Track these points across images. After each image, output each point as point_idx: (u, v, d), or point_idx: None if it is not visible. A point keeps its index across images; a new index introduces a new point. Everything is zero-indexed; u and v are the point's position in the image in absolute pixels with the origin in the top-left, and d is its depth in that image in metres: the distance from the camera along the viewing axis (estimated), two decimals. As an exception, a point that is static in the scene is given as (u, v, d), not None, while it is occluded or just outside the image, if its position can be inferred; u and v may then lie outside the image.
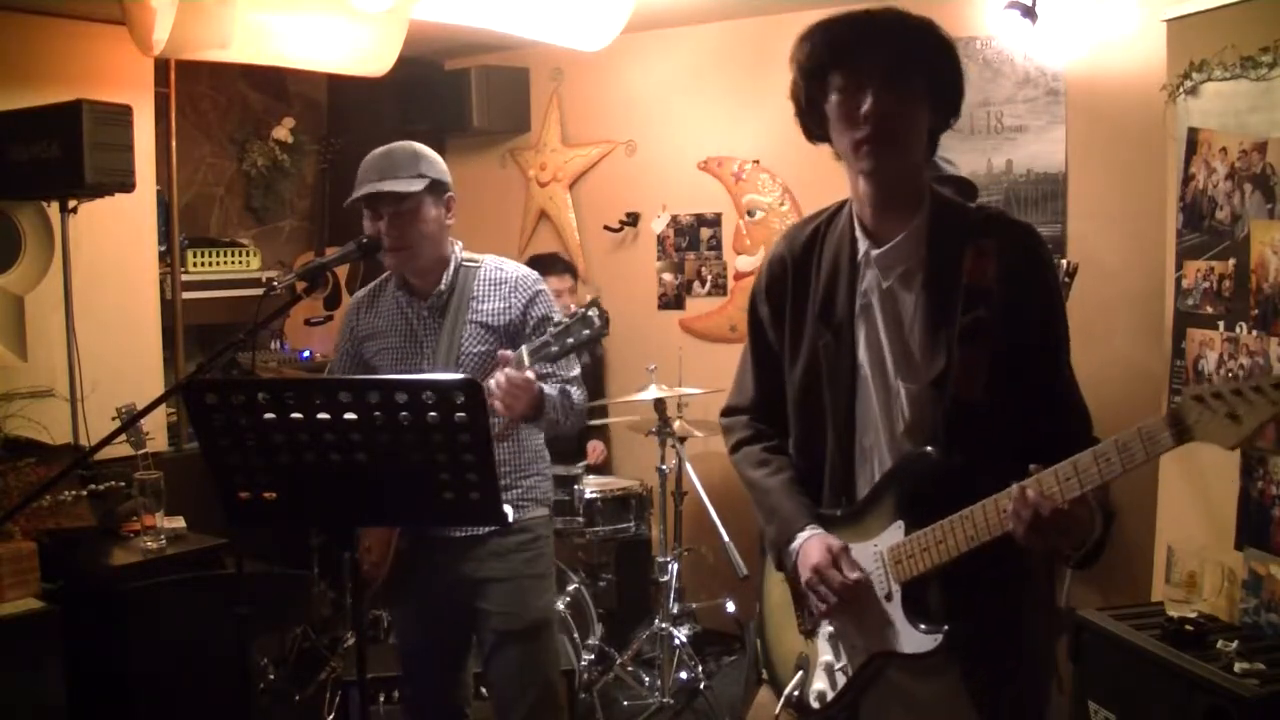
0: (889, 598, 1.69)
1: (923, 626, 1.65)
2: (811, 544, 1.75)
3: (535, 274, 2.61)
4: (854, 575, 1.69)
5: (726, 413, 2.00)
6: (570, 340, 2.30)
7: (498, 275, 2.56)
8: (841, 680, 1.76)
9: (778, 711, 1.86)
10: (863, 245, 1.73)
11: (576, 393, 2.53)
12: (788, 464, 1.87)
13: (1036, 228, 1.79)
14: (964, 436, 1.63)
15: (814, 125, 1.72)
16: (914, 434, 1.69)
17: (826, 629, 1.79)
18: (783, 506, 1.82)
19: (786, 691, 1.82)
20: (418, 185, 2.43)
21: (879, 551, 1.70)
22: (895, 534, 1.68)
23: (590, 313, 2.31)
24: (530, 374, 2.32)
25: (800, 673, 1.81)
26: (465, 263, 2.56)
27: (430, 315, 2.52)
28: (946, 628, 1.63)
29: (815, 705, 1.79)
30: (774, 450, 1.90)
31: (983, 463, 1.62)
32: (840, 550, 1.72)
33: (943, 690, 1.68)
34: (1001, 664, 1.67)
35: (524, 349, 2.32)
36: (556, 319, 2.49)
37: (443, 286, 2.52)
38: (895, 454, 1.72)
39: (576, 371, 2.57)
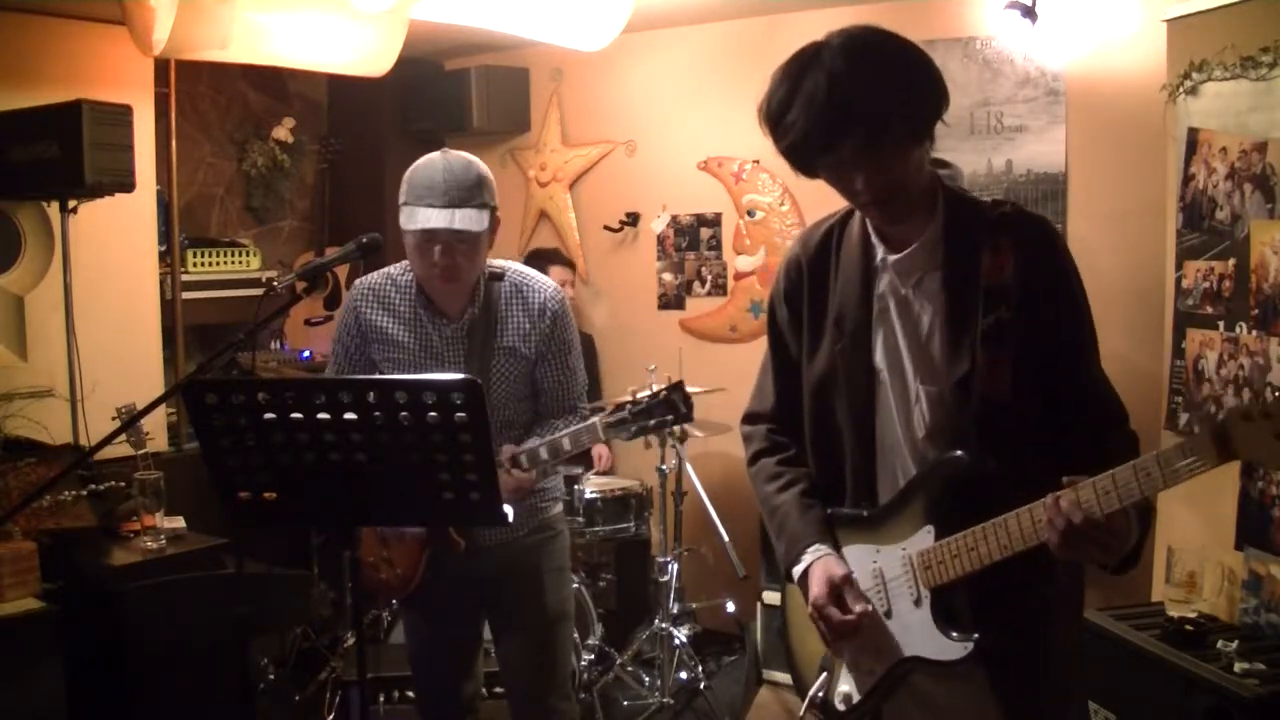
0: (918, 603, 1.68)
1: (954, 634, 1.64)
2: (815, 571, 1.73)
3: (559, 290, 2.52)
4: (857, 609, 1.68)
5: (747, 419, 1.97)
6: (651, 422, 2.27)
7: (524, 293, 2.46)
8: (869, 683, 1.74)
9: (802, 712, 1.86)
10: (879, 251, 1.72)
11: (576, 421, 2.51)
12: (802, 476, 1.84)
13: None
14: (994, 438, 1.61)
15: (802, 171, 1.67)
16: (935, 438, 1.68)
17: None
18: (790, 525, 1.80)
19: (811, 693, 1.81)
20: (485, 221, 2.30)
21: (908, 555, 1.69)
22: (925, 539, 1.67)
23: (675, 397, 2.26)
24: (531, 474, 2.34)
25: (825, 674, 1.80)
26: (491, 276, 2.46)
27: (455, 335, 2.43)
28: (976, 636, 1.62)
29: (841, 707, 1.77)
30: (789, 462, 1.88)
31: (1013, 465, 1.60)
32: (842, 581, 1.70)
33: (967, 694, 1.67)
34: (1028, 670, 1.66)
35: (598, 420, 2.29)
36: (576, 338, 2.51)
37: (474, 308, 2.42)
38: (916, 457, 1.71)
39: (582, 377, 2.56)
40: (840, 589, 1.70)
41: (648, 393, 2.28)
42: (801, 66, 1.56)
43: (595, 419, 2.30)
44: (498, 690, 2.97)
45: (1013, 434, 1.61)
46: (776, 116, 1.59)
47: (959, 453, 1.64)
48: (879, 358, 1.72)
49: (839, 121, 1.53)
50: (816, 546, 1.76)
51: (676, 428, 3.92)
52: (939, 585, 1.65)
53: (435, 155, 2.35)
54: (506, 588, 2.51)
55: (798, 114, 1.55)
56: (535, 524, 2.53)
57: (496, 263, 2.49)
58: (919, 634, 1.67)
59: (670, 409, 2.26)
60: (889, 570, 1.71)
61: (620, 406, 2.29)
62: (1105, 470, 1.44)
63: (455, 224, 2.26)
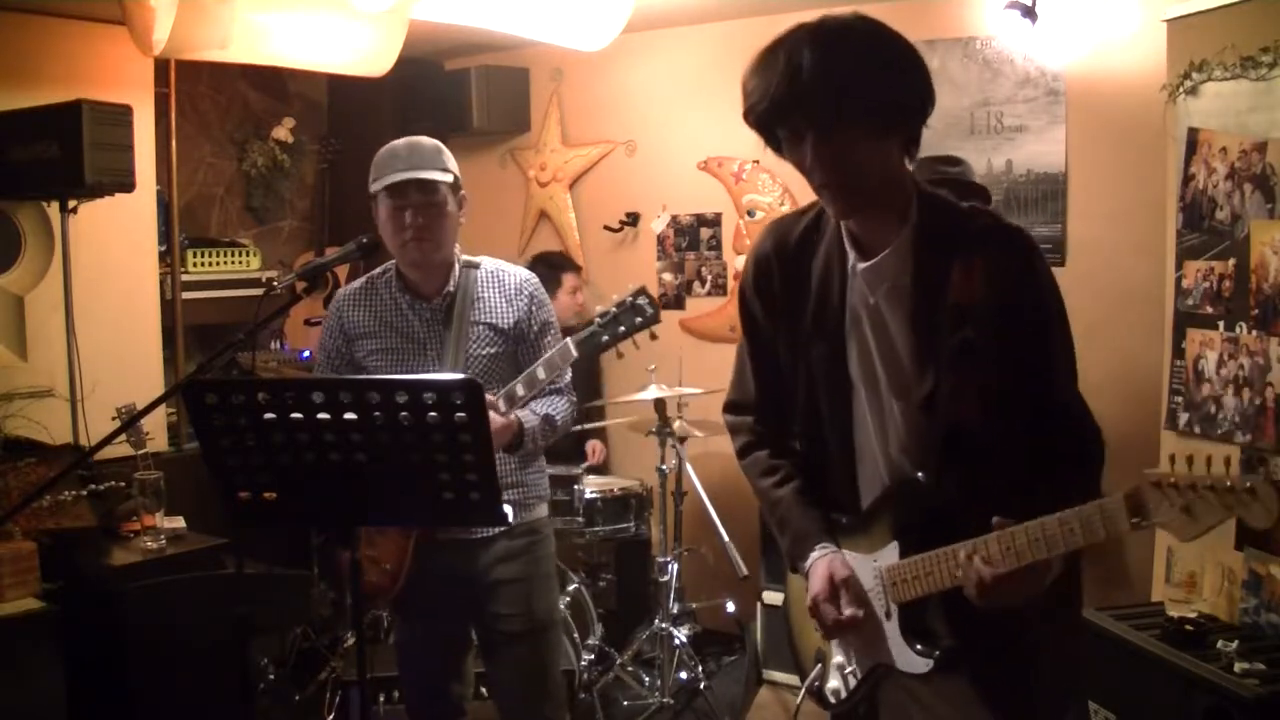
0: (888, 615, 1.70)
1: (919, 648, 1.66)
2: (818, 568, 1.74)
3: (533, 275, 2.61)
4: (848, 612, 1.69)
5: (729, 408, 1.96)
6: (622, 329, 2.32)
7: (499, 276, 2.55)
8: (852, 682, 1.78)
9: (799, 700, 1.90)
10: (851, 256, 1.68)
11: (563, 404, 2.54)
12: (795, 470, 1.85)
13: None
14: (957, 460, 1.61)
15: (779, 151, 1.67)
16: (909, 452, 1.67)
17: None
18: (794, 520, 1.81)
19: (808, 681, 1.85)
20: (449, 177, 2.44)
21: (879, 569, 1.71)
22: (892, 554, 1.69)
23: (640, 300, 2.31)
24: (513, 415, 2.38)
25: (819, 666, 1.84)
26: (467, 264, 2.55)
27: (434, 317, 2.50)
28: (938, 653, 1.64)
29: (831, 700, 1.82)
30: (780, 454, 1.88)
31: (978, 486, 1.60)
32: (843, 581, 1.71)
33: (953, 689, 1.68)
34: (1015, 670, 1.67)
35: (569, 341, 2.34)
36: (560, 335, 2.52)
37: (450, 287, 2.49)
38: (890, 469, 1.71)
39: (568, 378, 2.57)
40: (839, 589, 1.71)
41: (614, 306, 2.34)
42: (778, 40, 1.58)
43: (567, 338, 2.35)
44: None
45: (978, 455, 1.60)
46: (745, 81, 1.62)
47: (919, 475, 1.64)
48: (853, 368, 1.71)
49: (794, 87, 1.52)
50: (824, 545, 1.77)
51: (676, 427, 3.94)
52: (906, 601, 1.67)
53: (400, 139, 2.49)
54: (494, 597, 2.51)
55: (760, 78, 1.57)
56: (519, 521, 2.52)
57: (472, 257, 2.58)
58: (889, 644, 1.70)
59: (637, 313, 2.31)
60: (865, 580, 1.73)
61: (589, 323, 2.34)
62: (1062, 502, 1.46)
63: (419, 174, 2.38)
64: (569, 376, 2.57)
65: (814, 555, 1.76)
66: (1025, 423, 1.60)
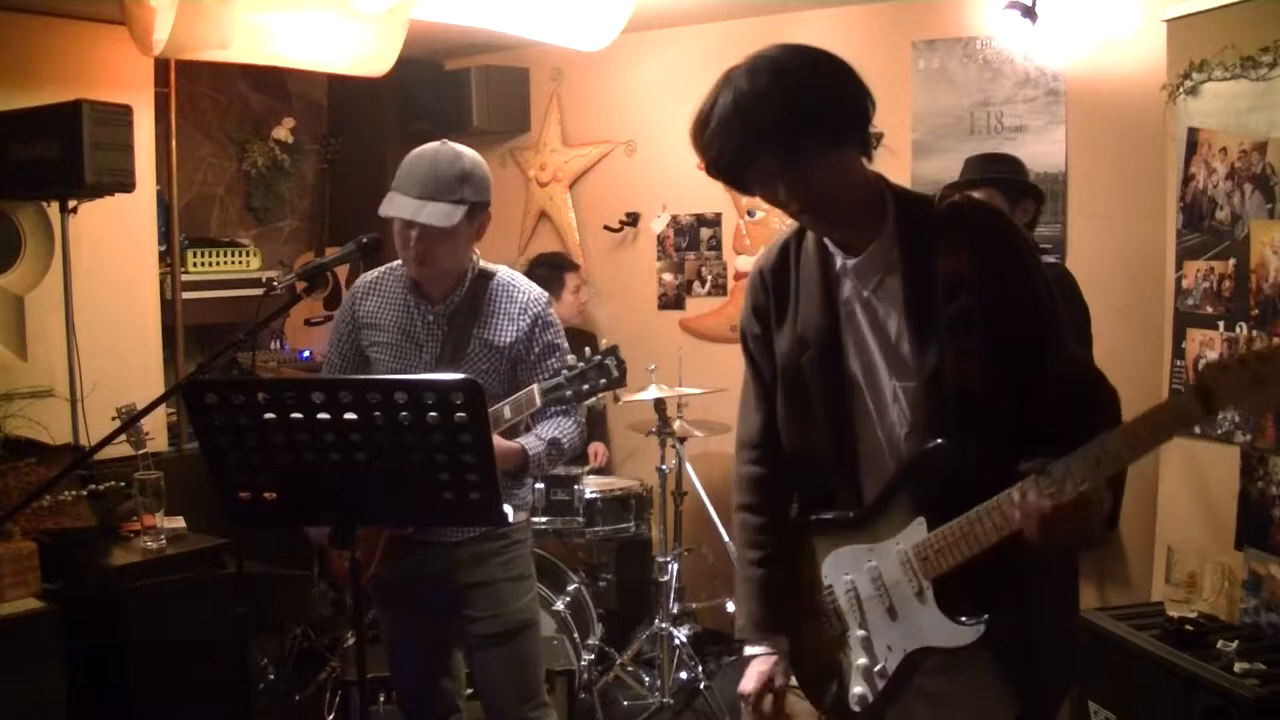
0: (921, 596, 1.68)
1: (963, 619, 1.64)
2: (758, 664, 1.90)
3: (546, 296, 2.57)
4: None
5: (738, 446, 2.00)
6: (585, 387, 2.34)
7: (510, 292, 2.52)
8: (881, 682, 1.75)
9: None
10: (838, 258, 1.74)
11: (570, 425, 2.53)
12: (770, 554, 1.92)
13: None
14: (972, 425, 1.63)
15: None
16: (918, 433, 1.69)
17: (858, 633, 1.77)
18: (751, 606, 1.94)
19: (828, 699, 1.83)
20: (456, 216, 2.35)
21: (903, 550, 1.69)
22: (918, 531, 1.67)
23: (608, 362, 2.33)
24: (518, 442, 2.39)
25: (834, 682, 1.81)
26: (481, 274, 2.52)
27: (436, 322, 2.49)
28: (986, 617, 1.62)
29: (857, 708, 1.78)
30: (765, 530, 1.93)
31: (995, 448, 1.61)
32: (780, 689, 1.88)
33: (968, 679, 1.68)
34: (1024, 649, 1.69)
35: (536, 388, 2.34)
36: (568, 355, 2.51)
37: (457, 297, 2.48)
38: (897, 456, 1.72)
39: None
40: (771, 695, 1.89)
41: (582, 361, 2.36)
42: (719, 87, 1.63)
43: (534, 386, 2.36)
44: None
45: (991, 419, 1.63)
46: (697, 136, 1.65)
47: (940, 441, 1.65)
48: (852, 363, 1.74)
49: (746, 138, 1.58)
50: (752, 646, 1.93)
51: (676, 427, 3.95)
52: (939, 575, 1.65)
53: (433, 145, 2.44)
54: (467, 600, 2.51)
55: (712, 133, 1.61)
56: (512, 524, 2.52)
57: (490, 265, 2.55)
58: (928, 626, 1.68)
59: (603, 373, 2.33)
60: (886, 568, 1.72)
61: (557, 373, 2.38)
62: (1091, 435, 1.47)
63: (419, 217, 2.34)
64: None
65: (749, 651, 1.92)
66: (1031, 375, 1.64)
